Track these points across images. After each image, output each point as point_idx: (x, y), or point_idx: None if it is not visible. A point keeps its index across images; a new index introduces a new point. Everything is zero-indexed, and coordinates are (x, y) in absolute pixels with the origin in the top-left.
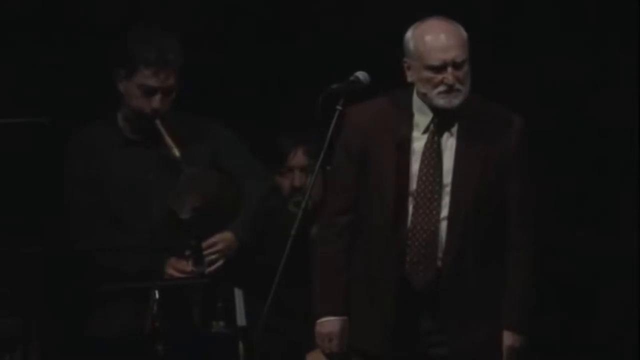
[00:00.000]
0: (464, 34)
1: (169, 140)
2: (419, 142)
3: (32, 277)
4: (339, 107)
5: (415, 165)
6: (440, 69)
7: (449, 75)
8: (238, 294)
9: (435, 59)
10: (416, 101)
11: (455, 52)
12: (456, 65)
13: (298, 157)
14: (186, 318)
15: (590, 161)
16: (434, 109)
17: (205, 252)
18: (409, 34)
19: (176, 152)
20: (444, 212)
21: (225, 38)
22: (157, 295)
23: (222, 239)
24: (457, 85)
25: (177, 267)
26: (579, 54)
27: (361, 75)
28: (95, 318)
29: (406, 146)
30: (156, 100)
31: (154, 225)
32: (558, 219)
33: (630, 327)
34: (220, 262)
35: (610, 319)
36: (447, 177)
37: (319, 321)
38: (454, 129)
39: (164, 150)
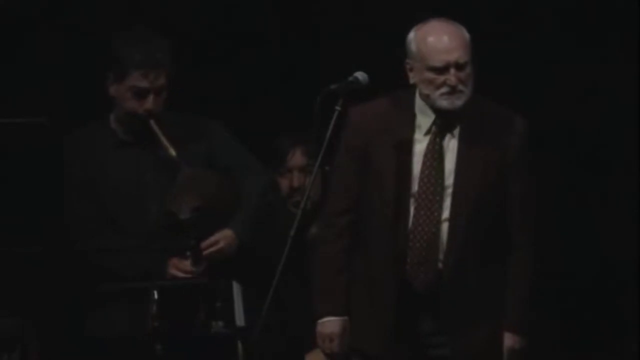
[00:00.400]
0: (467, 35)
1: (164, 141)
2: (420, 143)
3: (32, 277)
4: (337, 108)
5: (417, 167)
6: (442, 70)
7: (451, 77)
8: (237, 293)
9: (438, 60)
10: (418, 102)
11: (458, 54)
12: (459, 67)
13: (297, 158)
14: (189, 318)
15: (590, 161)
16: (437, 111)
17: (206, 251)
18: (411, 35)
19: (173, 152)
20: (445, 214)
21: (225, 38)
22: (155, 296)
23: (223, 237)
24: (460, 87)
25: (180, 267)
26: (579, 54)
27: (360, 75)
28: (95, 318)
29: (408, 147)
30: (149, 101)
31: (151, 226)
32: (558, 219)
33: (630, 327)
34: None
35: (610, 319)
36: (449, 179)
37: (320, 321)
38: (456, 131)
39: (159, 150)
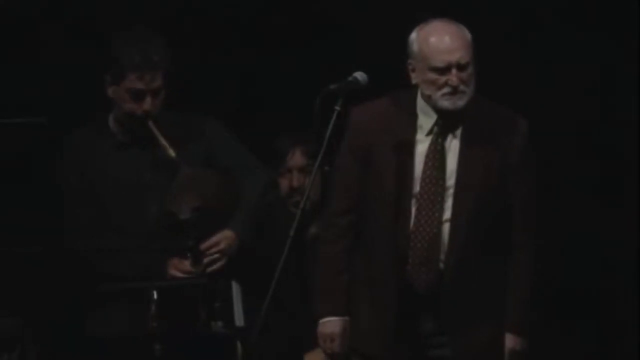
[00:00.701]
0: (469, 35)
1: (163, 141)
2: (422, 144)
3: (32, 277)
4: (337, 108)
5: (418, 167)
6: (444, 70)
7: (453, 77)
8: (236, 293)
9: (440, 61)
10: (420, 103)
11: (459, 54)
12: (460, 67)
13: (296, 158)
14: (190, 318)
15: (590, 161)
16: (439, 111)
17: (208, 252)
18: (413, 35)
19: (171, 153)
20: (447, 215)
21: (225, 39)
22: (155, 296)
23: (223, 238)
24: (462, 87)
25: (180, 268)
26: (579, 54)
27: (359, 75)
28: (95, 318)
29: (409, 148)
30: (147, 103)
31: (151, 226)
32: (558, 219)
33: (630, 327)
34: (222, 262)
35: (610, 319)
36: (450, 180)
37: (321, 321)
38: (458, 131)
39: (158, 151)
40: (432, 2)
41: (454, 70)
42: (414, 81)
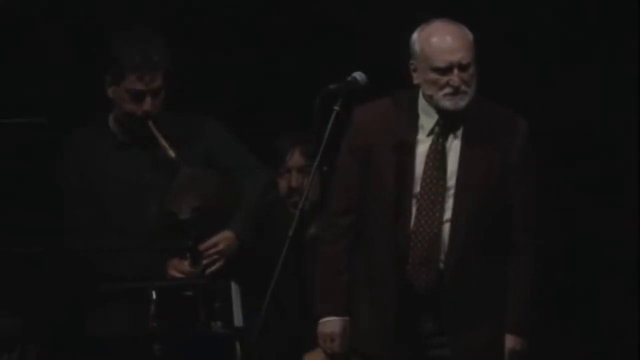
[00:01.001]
0: (470, 35)
1: (163, 141)
2: (423, 144)
3: (32, 277)
4: (336, 108)
5: (419, 168)
6: (446, 70)
7: (454, 77)
8: (235, 293)
9: (441, 61)
10: (422, 103)
11: (461, 54)
12: (462, 67)
13: (295, 158)
14: (189, 318)
15: (590, 161)
16: (440, 111)
17: (207, 253)
18: (415, 36)
19: (171, 153)
20: (447, 215)
21: (225, 38)
22: (154, 296)
23: (223, 239)
24: (463, 87)
25: (179, 268)
26: (579, 54)
27: (358, 75)
28: (95, 318)
29: (410, 148)
30: (147, 103)
31: (151, 226)
32: (558, 219)
33: (630, 327)
34: (221, 262)
35: (610, 319)
36: (451, 180)
37: (321, 321)
38: (459, 132)
39: (158, 151)
40: (432, 2)
41: (455, 71)
42: (415, 81)
